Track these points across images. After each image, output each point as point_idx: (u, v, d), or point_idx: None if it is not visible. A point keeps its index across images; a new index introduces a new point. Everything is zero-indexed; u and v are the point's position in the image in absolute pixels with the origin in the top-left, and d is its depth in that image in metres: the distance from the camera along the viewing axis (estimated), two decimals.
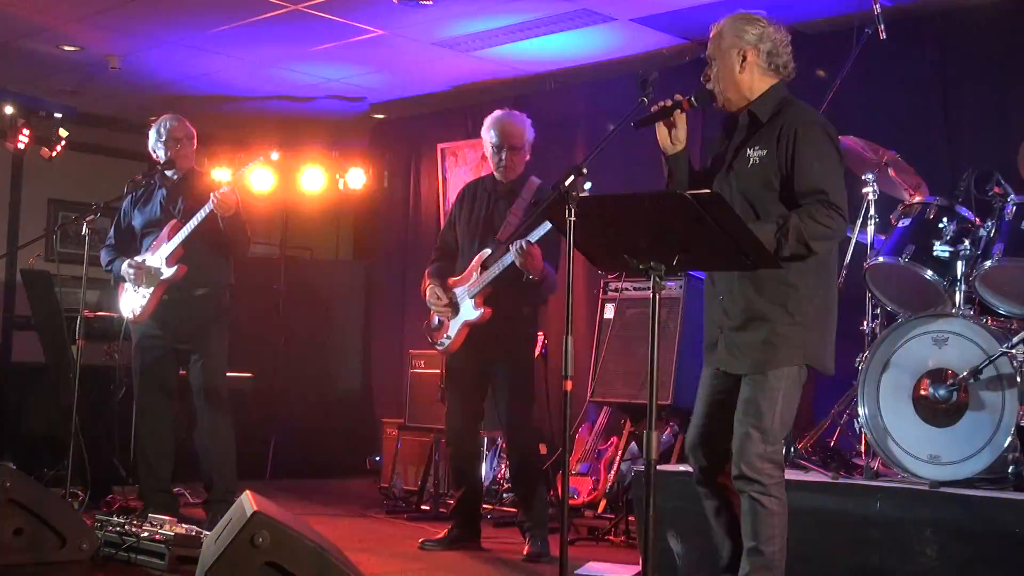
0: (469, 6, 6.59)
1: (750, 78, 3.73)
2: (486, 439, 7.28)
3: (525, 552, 5.46)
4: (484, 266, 5.49)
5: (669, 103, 3.62)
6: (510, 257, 5.30)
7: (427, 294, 5.66)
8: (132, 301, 6.01)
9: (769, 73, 3.76)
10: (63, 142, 8.03)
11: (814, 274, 3.69)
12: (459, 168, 8.87)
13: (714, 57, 3.74)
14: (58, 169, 8.65)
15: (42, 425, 7.20)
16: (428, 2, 6.51)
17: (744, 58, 3.72)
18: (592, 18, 6.72)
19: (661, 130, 3.71)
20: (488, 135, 5.61)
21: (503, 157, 5.55)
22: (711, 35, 3.78)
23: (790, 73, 3.80)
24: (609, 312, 6.49)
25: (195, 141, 6.14)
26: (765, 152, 3.66)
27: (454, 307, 5.58)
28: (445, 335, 5.62)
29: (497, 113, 5.67)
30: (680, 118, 3.70)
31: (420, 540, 5.76)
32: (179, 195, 6.03)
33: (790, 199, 3.63)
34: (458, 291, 5.59)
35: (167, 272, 5.89)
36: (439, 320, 5.67)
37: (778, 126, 3.68)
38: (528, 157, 5.63)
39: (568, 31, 6.97)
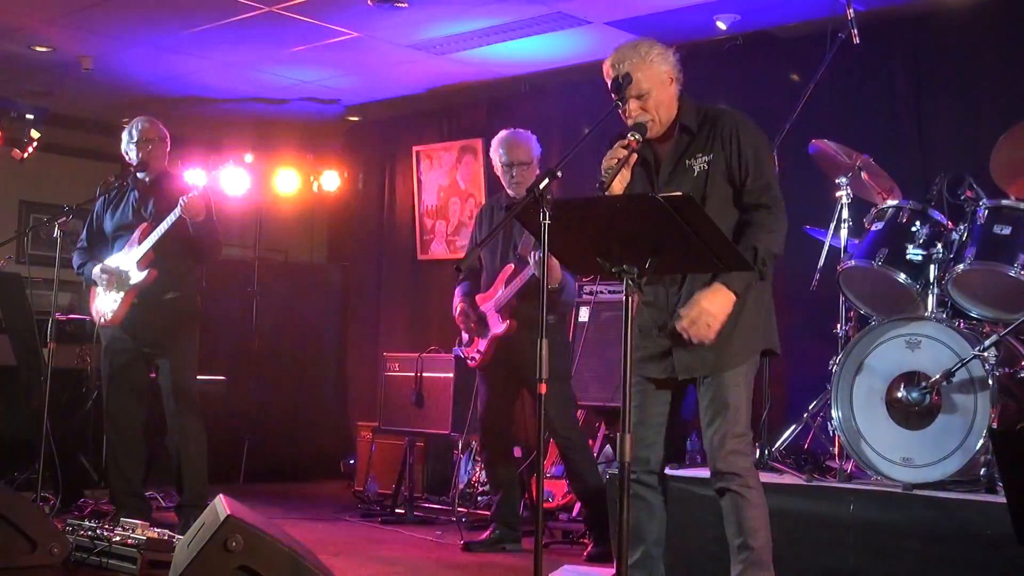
0: (444, 9, 6.59)
1: (676, 99, 3.80)
2: (461, 443, 7.29)
3: (588, 552, 5.57)
4: (507, 281, 5.68)
5: (624, 153, 3.60)
6: (531, 270, 5.46)
7: (457, 314, 5.86)
8: (103, 305, 5.97)
9: (678, 90, 3.83)
10: (35, 143, 7.99)
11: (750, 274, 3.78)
12: (434, 170, 8.87)
13: (649, 89, 3.71)
14: (30, 170, 8.60)
15: (12, 428, 7.13)
16: (403, 5, 6.50)
17: (672, 81, 3.78)
18: (567, 21, 6.73)
19: (618, 183, 3.66)
20: (496, 155, 5.80)
21: (514, 174, 5.73)
22: (626, 70, 3.71)
23: (683, 84, 3.87)
24: (584, 315, 6.53)
25: (168, 143, 6.10)
26: (711, 157, 3.74)
27: (482, 324, 5.79)
28: (476, 350, 5.85)
29: (502, 133, 5.85)
30: (630, 158, 3.70)
31: (463, 542, 5.85)
32: (151, 198, 6.00)
33: (738, 194, 3.74)
34: (485, 307, 5.80)
35: (137, 276, 5.86)
36: (469, 337, 5.88)
37: (712, 131, 3.77)
38: (539, 171, 5.69)
39: (543, 34, 6.98)
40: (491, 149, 5.87)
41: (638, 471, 3.80)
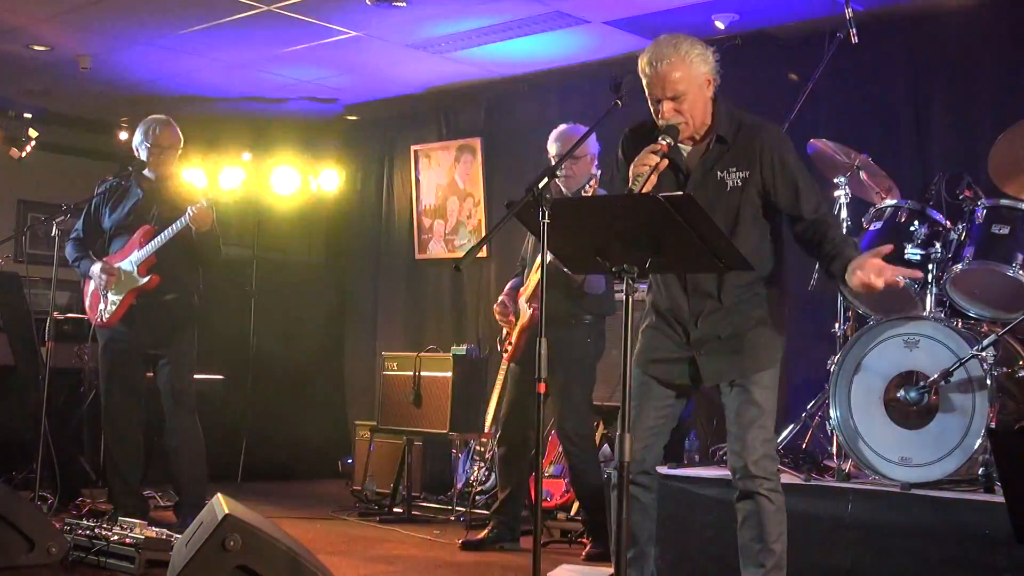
0: (443, 8, 6.58)
1: (711, 103, 3.68)
2: (459, 441, 7.29)
3: (586, 551, 5.57)
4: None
5: (655, 160, 3.45)
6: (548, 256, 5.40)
7: (496, 307, 5.91)
8: (100, 305, 5.96)
9: (713, 94, 3.70)
10: (33, 142, 7.97)
11: (779, 279, 3.81)
12: (432, 170, 8.87)
13: (685, 91, 3.57)
14: (27, 170, 8.58)
15: (10, 428, 7.13)
16: (402, 4, 6.50)
17: (709, 84, 3.65)
18: (565, 20, 6.72)
19: (649, 186, 3.49)
20: (550, 148, 5.73)
21: (563, 167, 5.58)
22: (660, 73, 3.57)
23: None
24: None
25: (180, 148, 6.10)
26: (746, 175, 3.64)
27: (517, 315, 5.81)
28: (509, 343, 5.87)
29: (560, 127, 5.78)
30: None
31: (460, 540, 5.85)
32: (154, 201, 5.99)
33: (778, 214, 3.72)
34: (520, 301, 5.82)
35: (139, 281, 5.86)
36: (507, 329, 5.91)
37: (750, 147, 3.66)
38: (592, 168, 5.64)
39: (542, 33, 6.98)
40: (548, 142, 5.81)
41: (633, 471, 3.77)
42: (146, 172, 6.03)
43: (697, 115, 3.62)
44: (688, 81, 3.58)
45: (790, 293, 3.90)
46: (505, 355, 5.92)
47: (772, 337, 3.75)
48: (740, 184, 3.64)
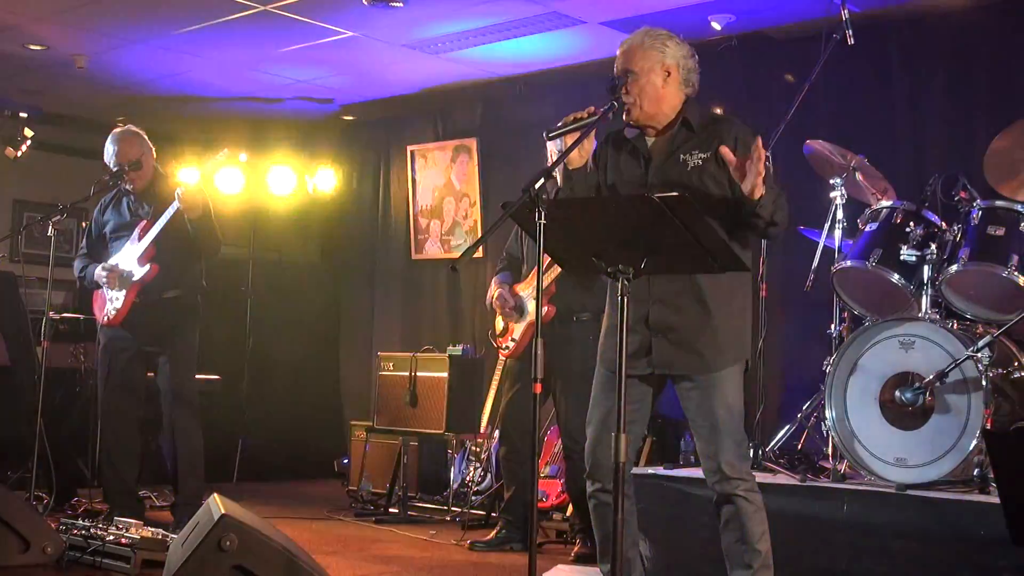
0: (439, 8, 6.58)
1: (671, 94, 3.76)
2: (455, 441, 7.29)
3: (576, 551, 5.57)
4: (547, 268, 5.57)
5: (585, 115, 3.58)
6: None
7: (495, 298, 5.84)
8: (106, 304, 5.96)
9: (683, 90, 3.80)
10: (28, 142, 7.96)
11: (744, 275, 3.76)
12: (428, 170, 8.87)
13: (632, 71, 3.72)
14: (23, 169, 8.57)
15: (6, 427, 7.11)
16: (398, 4, 6.50)
17: (668, 74, 3.75)
18: (562, 21, 6.73)
19: (571, 140, 3.61)
20: (549, 147, 5.68)
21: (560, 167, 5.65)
22: (624, 49, 3.77)
23: (696, 90, 3.85)
24: None
25: (151, 152, 6.05)
26: (708, 155, 3.68)
27: (519, 310, 5.76)
28: (510, 339, 5.83)
29: None
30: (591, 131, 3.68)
31: (469, 541, 5.86)
32: (147, 199, 6.00)
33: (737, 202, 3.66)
34: (523, 294, 5.77)
35: (139, 272, 5.86)
36: (504, 325, 5.86)
37: (715, 133, 3.71)
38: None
39: (538, 34, 6.98)
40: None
41: (606, 476, 3.73)
42: (129, 186, 6.01)
43: (647, 101, 3.71)
44: (642, 62, 3.71)
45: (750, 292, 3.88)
46: (504, 351, 5.88)
47: (738, 330, 3.72)
48: (700, 163, 3.68)
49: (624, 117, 3.73)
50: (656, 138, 3.80)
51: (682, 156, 3.72)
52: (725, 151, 3.49)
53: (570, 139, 3.59)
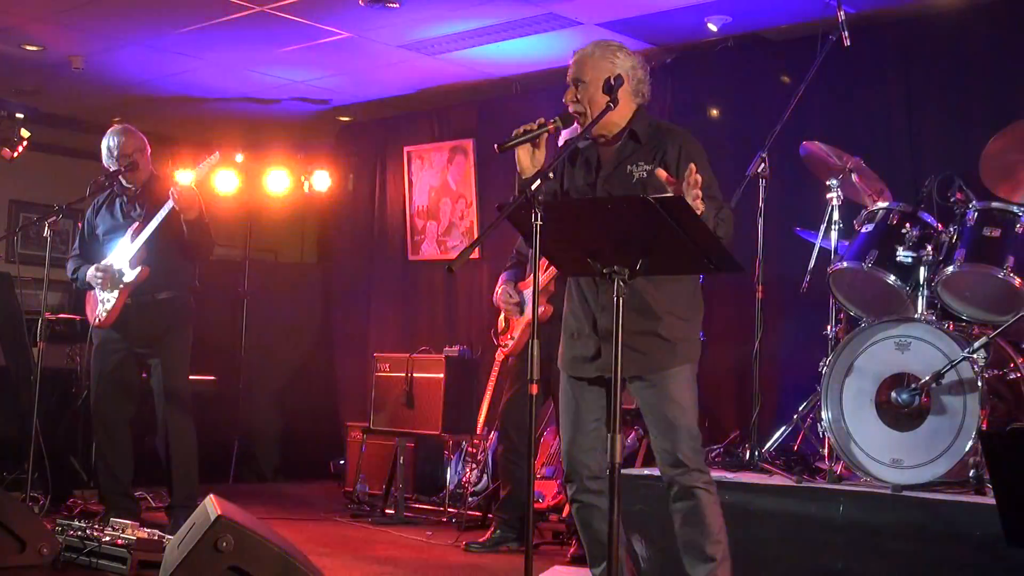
0: (436, 9, 6.58)
1: (621, 103, 3.79)
2: (451, 442, 7.29)
3: (571, 553, 5.57)
4: (547, 267, 5.58)
5: (535, 126, 3.66)
6: None
7: (499, 295, 5.86)
8: (98, 305, 5.95)
9: (634, 100, 3.86)
10: (25, 142, 7.96)
11: (688, 280, 3.85)
12: (425, 171, 8.86)
13: (583, 81, 3.80)
14: (19, 170, 8.56)
15: (2, 428, 7.12)
16: (395, 5, 6.50)
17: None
18: (558, 22, 6.73)
19: (523, 152, 3.71)
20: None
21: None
22: (575, 59, 3.86)
23: (647, 99, 3.91)
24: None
25: (148, 149, 6.05)
26: (651, 166, 3.74)
27: (521, 307, 5.79)
28: (510, 336, 5.87)
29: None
30: (542, 140, 3.73)
31: (465, 543, 5.86)
32: (139, 200, 5.99)
33: None
34: (526, 292, 5.78)
35: (131, 274, 5.85)
36: (506, 322, 5.88)
37: (659, 144, 3.78)
38: None
39: (534, 35, 6.98)
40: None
41: (584, 478, 3.81)
42: (125, 183, 6.01)
43: (595, 107, 3.77)
44: (590, 70, 3.79)
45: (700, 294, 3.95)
46: (504, 349, 5.89)
47: (687, 332, 3.79)
48: (644, 175, 3.74)
49: (576, 127, 3.84)
50: (607, 148, 3.88)
51: (628, 167, 3.80)
52: (660, 174, 3.56)
53: (523, 151, 3.69)
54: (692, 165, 3.48)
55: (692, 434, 3.72)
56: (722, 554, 3.71)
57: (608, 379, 3.74)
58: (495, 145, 3.67)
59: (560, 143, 5.28)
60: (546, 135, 3.72)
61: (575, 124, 3.90)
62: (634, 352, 3.69)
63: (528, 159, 3.70)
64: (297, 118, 9.26)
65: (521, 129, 3.65)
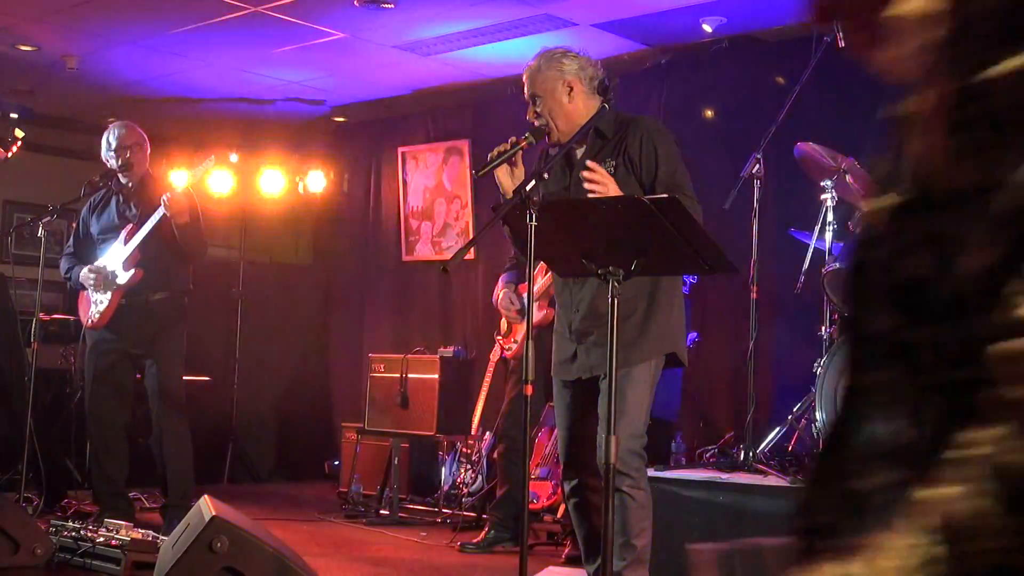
0: (431, 10, 6.58)
1: (580, 105, 3.88)
2: (446, 443, 7.29)
3: (567, 553, 5.57)
4: (548, 270, 5.59)
5: (508, 147, 3.71)
6: None
7: (500, 299, 5.87)
8: (90, 307, 5.95)
9: (594, 97, 3.92)
10: (19, 143, 7.95)
11: (646, 282, 3.84)
12: (419, 172, 8.87)
13: (538, 95, 3.89)
14: (14, 170, 8.55)
15: None
16: (389, 5, 6.50)
17: (571, 89, 3.89)
18: (553, 23, 6.73)
19: (502, 173, 3.76)
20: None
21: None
22: (526, 76, 3.94)
23: (612, 95, 3.94)
24: None
25: (147, 145, 6.07)
26: (617, 160, 3.80)
27: (523, 314, 5.77)
28: (512, 340, 5.90)
29: None
30: (519, 157, 3.78)
31: (459, 543, 5.86)
32: (134, 201, 5.99)
33: (649, 188, 3.79)
34: (526, 296, 5.71)
35: (124, 277, 5.85)
36: (508, 326, 5.91)
37: (627, 137, 3.83)
38: None
39: (529, 36, 6.98)
40: None
41: (586, 476, 3.84)
42: (123, 179, 6.01)
43: (558, 117, 3.86)
44: (541, 85, 3.89)
45: (681, 291, 3.99)
46: (508, 352, 5.91)
47: (653, 331, 3.81)
48: (611, 171, 3.78)
49: (547, 140, 3.89)
50: (579, 147, 3.93)
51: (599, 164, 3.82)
52: (584, 174, 3.64)
53: (501, 171, 3.74)
54: (589, 162, 3.61)
55: (632, 434, 3.73)
56: (633, 557, 3.75)
57: (587, 380, 3.84)
58: (472, 171, 3.73)
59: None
60: (522, 152, 3.76)
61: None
62: (598, 353, 3.74)
63: (508, 179, 3.77)
64: (292, 119, 9.25)
65: (496, 151, 3.71)
